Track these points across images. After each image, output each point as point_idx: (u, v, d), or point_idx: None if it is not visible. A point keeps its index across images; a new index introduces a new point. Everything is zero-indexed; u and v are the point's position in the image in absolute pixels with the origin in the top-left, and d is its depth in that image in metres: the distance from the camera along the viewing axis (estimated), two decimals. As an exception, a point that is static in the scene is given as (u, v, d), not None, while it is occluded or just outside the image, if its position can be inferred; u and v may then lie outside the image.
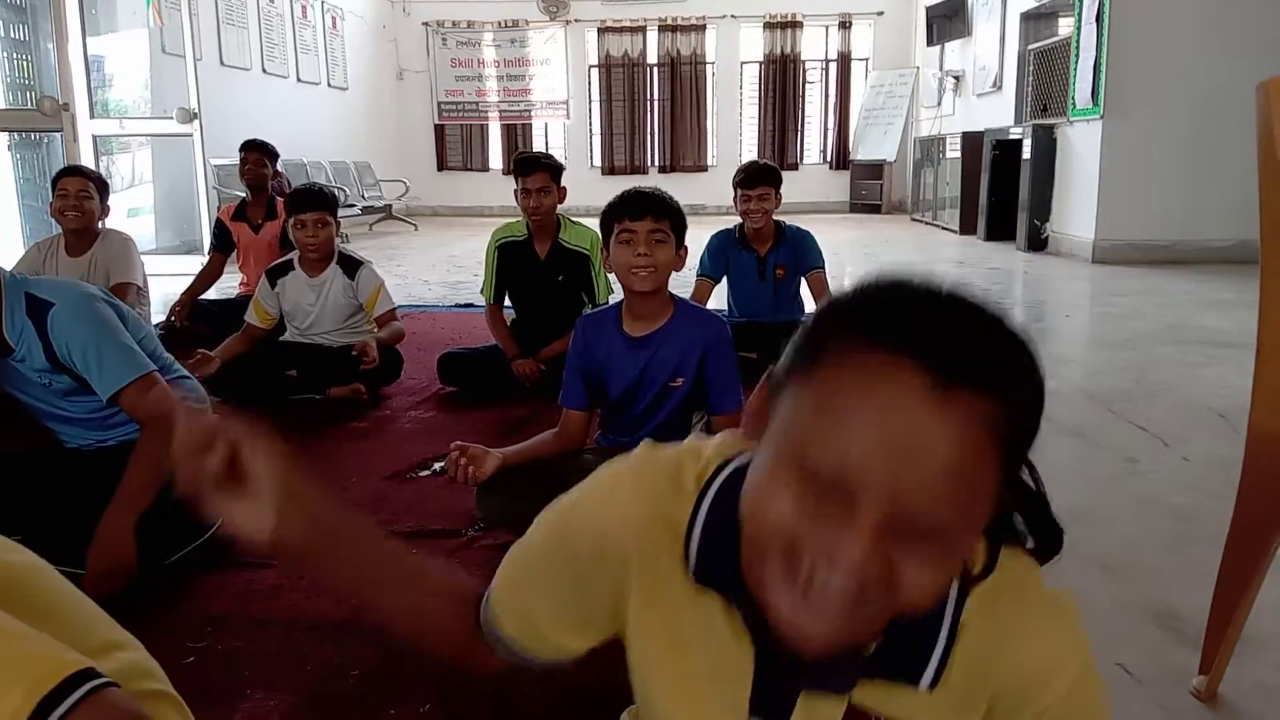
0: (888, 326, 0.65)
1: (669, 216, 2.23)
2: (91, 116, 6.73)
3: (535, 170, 3.67)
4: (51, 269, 3.83)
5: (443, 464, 2.84)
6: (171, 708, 1.06)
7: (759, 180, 3.84)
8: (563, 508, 0.90)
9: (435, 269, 8.10)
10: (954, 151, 10.52)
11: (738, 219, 4.07)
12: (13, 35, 7.41)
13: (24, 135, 7.25)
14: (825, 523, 0.65)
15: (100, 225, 3.99)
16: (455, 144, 14.83)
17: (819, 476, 0.65)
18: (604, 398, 2.38)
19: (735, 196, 3.90)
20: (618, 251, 2.23)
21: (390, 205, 12.22)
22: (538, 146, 14.76)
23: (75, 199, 3.81)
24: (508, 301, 3.89)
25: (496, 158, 14.87)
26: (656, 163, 14.73)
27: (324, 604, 1.95)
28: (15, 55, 7.66)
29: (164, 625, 1.82)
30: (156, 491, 2.01)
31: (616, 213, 2.24)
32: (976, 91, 10.94)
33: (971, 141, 9.97)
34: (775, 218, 4.00)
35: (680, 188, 14.35)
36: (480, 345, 3.90)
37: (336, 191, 4.36)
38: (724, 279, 4.12)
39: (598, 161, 14.72)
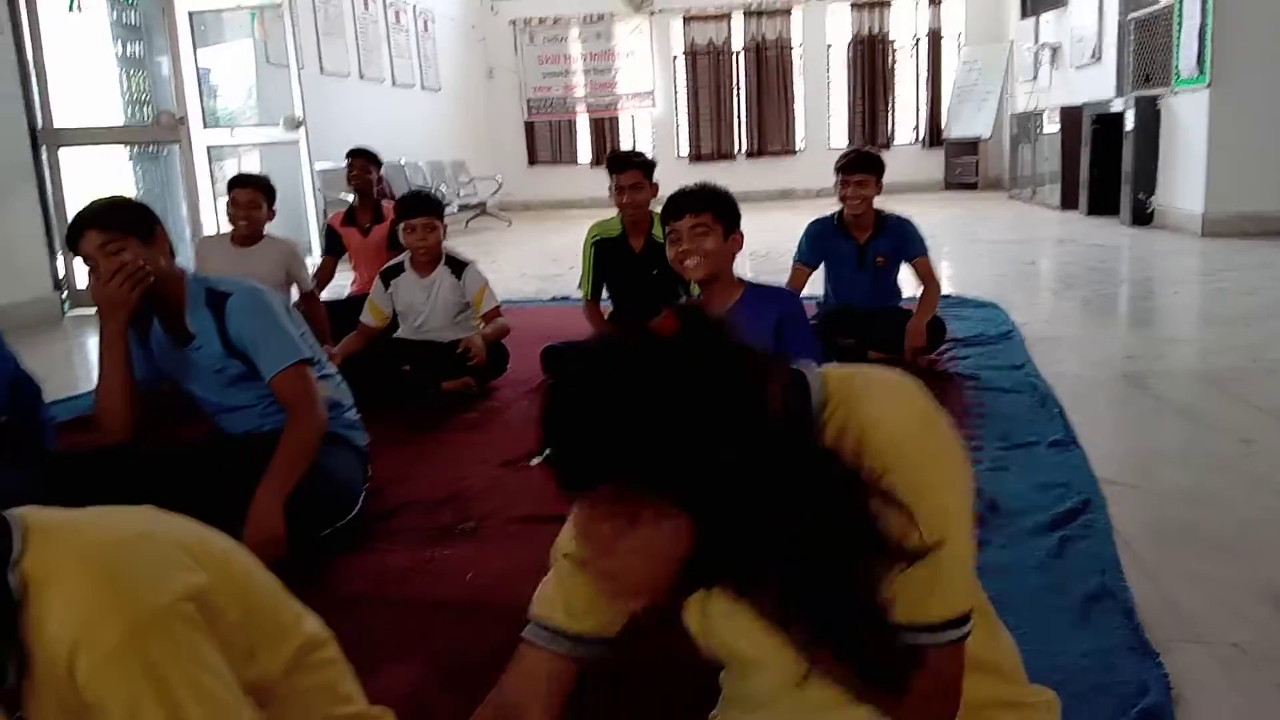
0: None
1: (710, 209, 2.37)
2: (205, 127, 7.08)
3: (628, 168, 3.77)
4: (216, 263, 4.10)
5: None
6: (342, 674, 1.18)
7: (859, 167, 3.84)
8: None
9: (531, 263, 8.28)
10: (1052, 126, 10.24)
11: (831, 204, 4.09)
12: (128, 53, 7.82)
13: (143, 147, 7.65)
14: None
15: (265, 230, 4.29)
16: (545, 139, 15.06)
17: None
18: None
19: (836, 182, 3.91)
20: (669, 249, 2.44)
21: (484, 202, 12.48)
22: (624, 138, 14.90)
23: (245, 209, 4.14)
24: (604, 295, 4.00)
25: (585, 151, 15.05)
26: (743, 149, 14.69)
27: (451, 587, 2.08)
28: (131, 71, 8.08)
29: (304, 601, 1.97)
30: (302, 472, 2.18)
31: (662, 216, 2.45)
32: (1074, 64, 10.62)
33: (1070, 116, 9.69)
34: (875, 205, 3.99)
35: (768, 173, 14.37)
36: (580, 339, 4.00)
37: (437, 192, 4.52)
38: (821, 266, 4.12)
39: (684, 150, 14.75)
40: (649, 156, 3.97)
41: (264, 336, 2.29)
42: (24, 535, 0.92)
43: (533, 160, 15.07)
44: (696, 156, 14.57)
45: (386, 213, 5.09)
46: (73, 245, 2.23)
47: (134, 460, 2.27)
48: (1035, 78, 12.06)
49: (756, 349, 0.96)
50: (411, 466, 2.91)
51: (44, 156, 6.23)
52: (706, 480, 0.86)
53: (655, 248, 3.83)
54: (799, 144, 14.62)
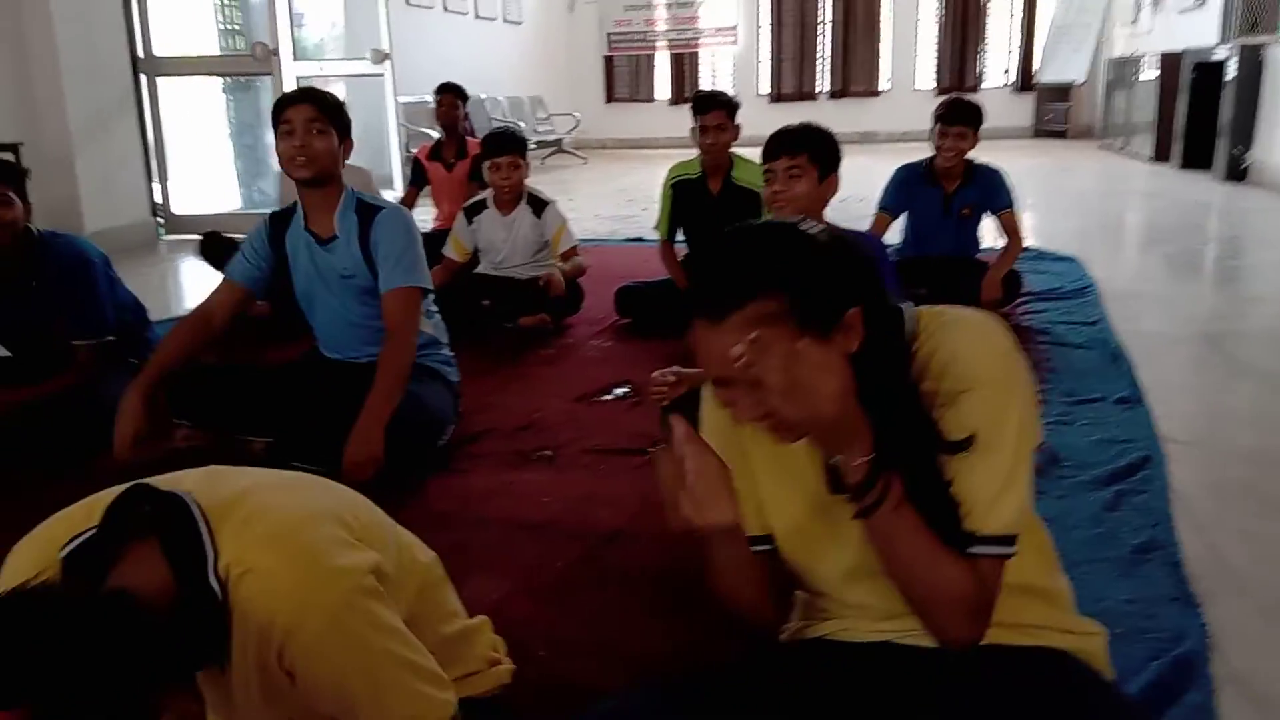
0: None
1: (806, 151, 2.38)
2: (294, 59, 7.25)
3: (713, 108, 3.79)
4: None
5: (626, 389, 3.10)
6: (449, 593, 1.32)
7: (960, 118, 3.79)
8: None
9: (606, 203, 8.34)
10: (1150, 73, 9.87)
11: (915, 149, 4.06)
12: (222, -17, 8.01)
13: (235, 79, 7.86)
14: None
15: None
16: (623, 75, 14.99)
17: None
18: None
19: (932, 130, 3.88)
20: (765, 187, 2.46)
21: (560, 139, 12.54)
22: (704, 75, 14.75)
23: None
24: (680, 236, 4.07)
25: (663, 88, 14.95)
26: (826, 88, 14.44)
27: (530, 508, 2.23)
28: (224, 2, 8.27)
29: (399, 518, 2.14)
30: (399, 399, 2.34)
31: (762, 154, 2.46)
32: (1178, 7, 10.17)
33: (1169, 62, 9.32)
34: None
35: (850, 114, 14.11)
36: (655, 279, 4.10)
37: (520, 130, 4.58)
38: (903, 213, 4.10)
39: (765, 89, 14.56)
40: (732, 96, 3.97)
41: (399, 252, 2.47)
42: (210, 532, 1.00)
43: (610, 97, 15.03)
44: (777, 96, 14.38)
45: (470, 149, 5.21)
46: (284, 105, 2.40)
47: (242, 376, 2.46)
48: (1136, 21, 11.59)
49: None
50: (491, 396, 3.06)
51: (144, 85, 6.47)
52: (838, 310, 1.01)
53: (733, 190, 3.88)
54: (884, 84, 14.31)
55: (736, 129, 3.86)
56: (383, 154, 7.56)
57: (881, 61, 14.29)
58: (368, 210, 2.50)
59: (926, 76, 14.16)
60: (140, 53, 6.39)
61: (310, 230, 2.53)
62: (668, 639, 1.67)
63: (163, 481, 1.05)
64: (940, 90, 13.57)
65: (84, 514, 1.03)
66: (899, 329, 1.07)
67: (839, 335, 1.00)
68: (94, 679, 0.78)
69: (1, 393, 2.63)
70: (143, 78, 6.43)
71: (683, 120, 3.90)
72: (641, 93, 15.00)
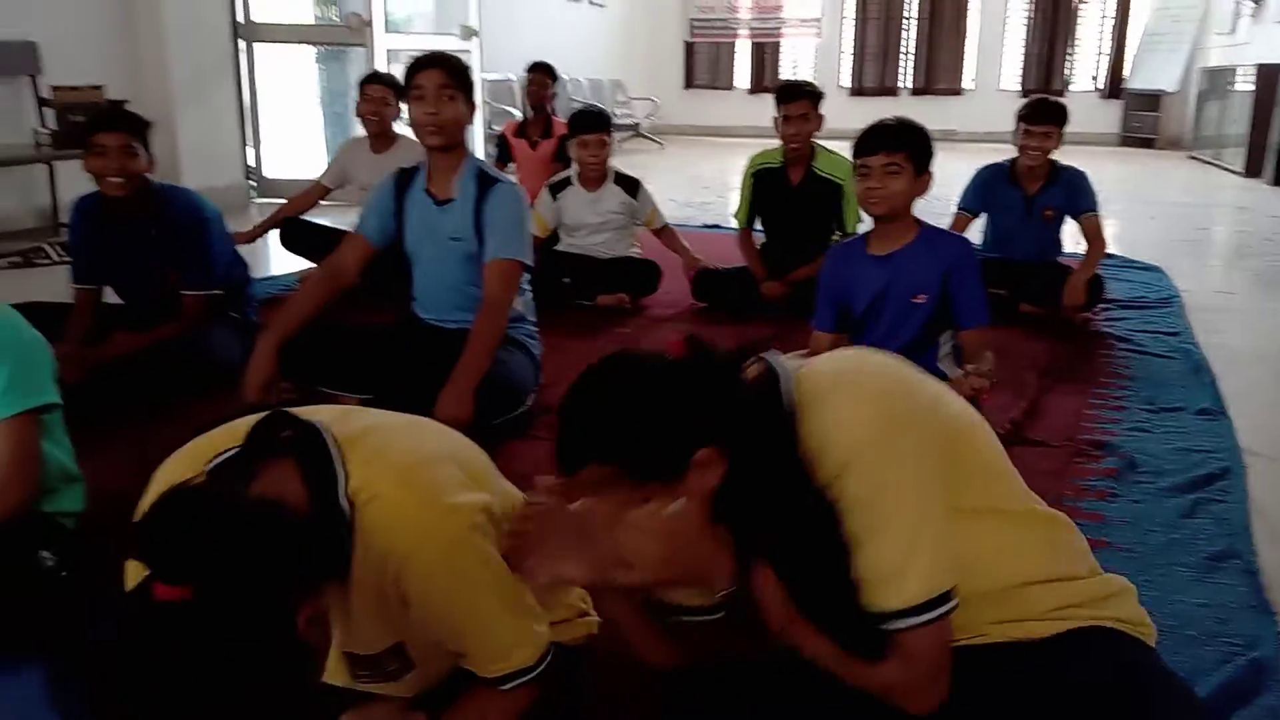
0: None
1: (904, 148, 2.37)
2: (385, 31, 7.41)
3: (799, 98, 3.81)
4: (358, 165, 4.35)
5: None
6: None
7: (1045, 117, 3.75)
8: None
9: (682, 189, 8.37)
10: (1245, 84, 9.58)
11: (996, 150, 4.03)
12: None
13: (326, 48, 8.05)
14: None
15: (395, 128, 4.46)
16: (703, 62, 14.97)
17: None
18: (850, 319, 2.57)
19: (1016, 130, 3.86)
20: (857, 183, 2.45)
21: (638, 124, 12.58)
22: (785, 66, 14.66)
23: (375, 104, 4.29)
24: (757, 225, 4.10)
25: (742, 77, 14.90)
26: (909, 85, 14.26)
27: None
28: (319, -27, 8.45)
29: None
30: (488, 366, 2.43)
31: (856, 147, 2.44)
32: (1278, 19, 9.85)
33: (1267, 74, 9.04)
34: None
35: (932, 112, 13.90)
36: (733, 266, 4.14)
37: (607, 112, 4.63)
38: (983, 214, 4.08)
39: (846, 82, 14.42)
40: (817, 86, 3.98)
41: (509, 226, 2.56)
42: (341, 456, 1.08)
43: (689, 83, 15.02)
44: (858, 90, 14.24)
45: (556, 128, 5.29)
46: (416, 70, 2.49)
47: (341, 335, 2.58)
48: (1233, 31, 11.23)
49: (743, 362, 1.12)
50: (569, 370, 3.07)
51: (242, 50, 6.67)
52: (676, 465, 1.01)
53: (814, 181, 3.90)
54: (968, 83, 14.09)
55: (820, 119, 3.87)
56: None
57: (966, 60, 14.06)
58: (487, 180, 2.59)
59: (1012, 77, 13.90)
60: (240, 18, 6.59)
61: (429, 191, 2.63)
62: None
63: (299, 412, 1.14)
64: (1025, 92, 13.31)
65: (226, 435, 1.13)
66: (772, 444, 1.03)
67: (692, 477, 1.00)
68: (248, 568, 0.87)
69: (116, 338, 2.78)
70: (241, 43, 6.63)
71: (761, 110, 3.93)
72: (721, 80, 14.97)
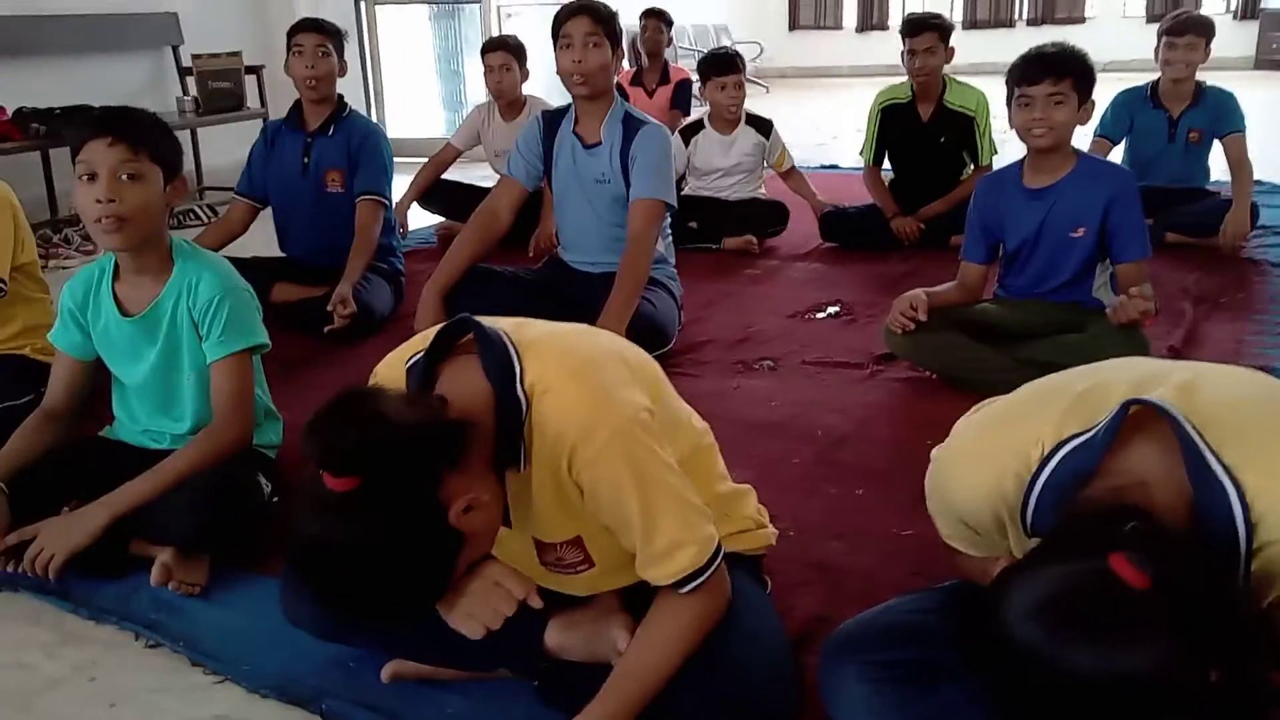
0: None
1: (1070, 75, 2.29)
2: (497, -14, 7.48)
3: (924, 30, 3.73)
4: (490, 130, 4.45)
5: (837, 308, 3.16)
6: (717, 456, 1.44)
7: (1190, 27, 3.59)
8: (936, 462, 1.21)
9: (793, 132, 8.24)
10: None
11: (1123, 80, 3.87)
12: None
13: (440, 7, 8.15)
14: None
15: (522, 91, 4.53)
16: (809, 1, 14.62)
17: None
18: (1003, 250, 2.54)
19: (1158, 45, 3.70)
20: (1016, 113, 2.37)
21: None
22: (894, 1, 14.20)
23: (499, 71, 4.37)
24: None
25: (850, 14, 14.51)
26: (1025, 15, 13.66)
27: (759, 410, 2.37)
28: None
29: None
30: (635, 303, 2.52)
31: (1015, 76, 2.35)
32: None
33: None
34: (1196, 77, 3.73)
35: (1051, 42, 13.28)
36: (860, 204, 4.10)
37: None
38: (1123, 142, 3.93)
39: (958, 15, 13.88)
40: (947, 21, 3.88)
41: (654, 166, 2.62)
42: (518, 354, 1.19)
43: (794, 24, 14.71)
44: (971, 23, 13.71)
45: (673, 74, 5.29)
46: (564, 19, 2.59)
47: (493, 279, 2.69)
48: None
49: None
50: (705, 311, 3.19)
51: (364, 13, 6.85)
52: None
53: (946, 115, 3.83)
54: (1090, 11, 13.41)
55: (950, 52, 3.79)
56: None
57: (1089, -15, 13.39)
58: (633, 123, 2.66)
59: (1138, 2, 13.17)
60: (360, -18, 6.76)
61: (577, 133, 2.71)
62: (914, 530, 1.77)
63: (481, 320, 1.25)
64: (1152, 18, 12.61)
65: (421, 340, 1.26)
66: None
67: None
68: (404, 460, 1.01)
69: (285, 288, 2.98)
70: (362, 5, 6.81)
71: (870, 48, 3.90)
72: (828, 20, 14.60)
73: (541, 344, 1.22)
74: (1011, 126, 2.43)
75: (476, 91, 7.62)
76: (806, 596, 1.58)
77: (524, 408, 1.16)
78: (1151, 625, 0.80)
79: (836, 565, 1.67)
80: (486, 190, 4.24)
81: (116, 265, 1.79)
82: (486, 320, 1.24)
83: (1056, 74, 2.27)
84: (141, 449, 1.84)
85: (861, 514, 1.86)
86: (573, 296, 2.68)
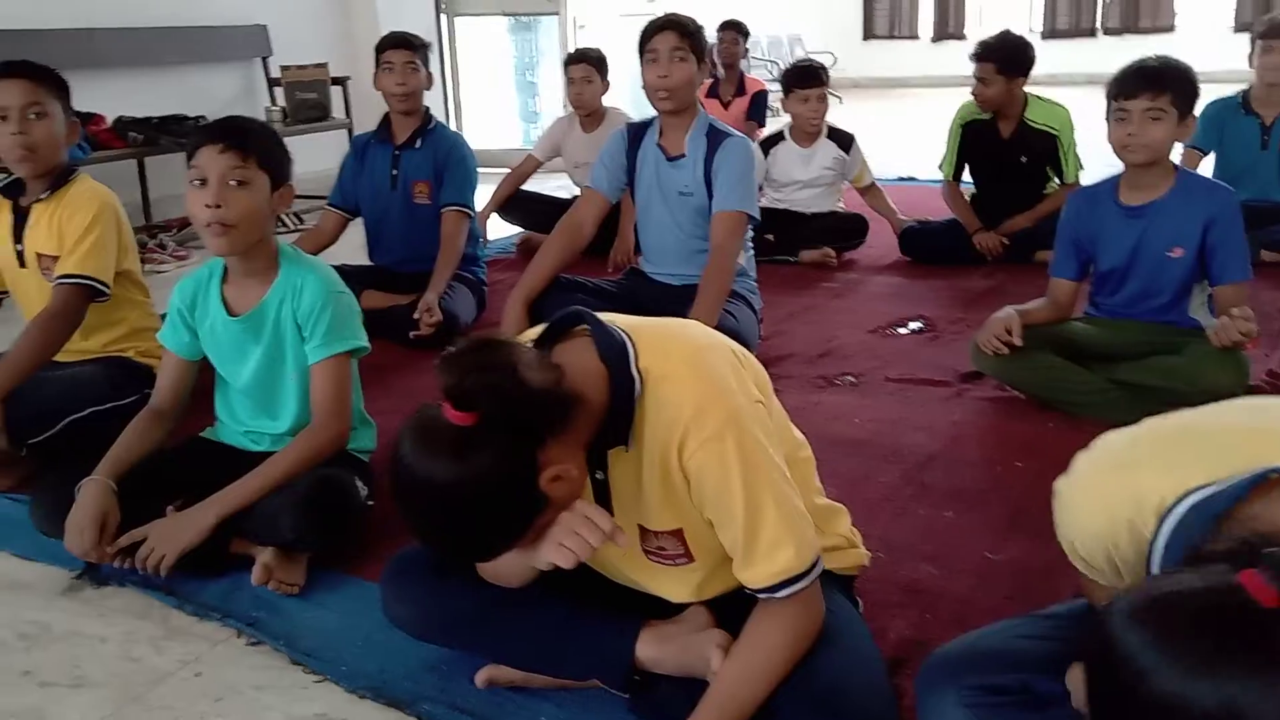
0: None
1: (1168, 91, 2.22)
2: (573, -1, 7.56)
3: (979, 60, 3.68)
4: (570, 142, 4.49)
5: (920, 324, 3.13)
6: (814, 470, 1.44)
7: None
8: (1057, 494, 1.15)
9: (869, 143, 8.13)
10: None
11: (1212, 92, 3.75)
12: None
13: (517, 19, 8.26)
14: None
15: (602, 103, 4.55)
16: (883, 11, 14.50)
17: None
18: (1095, 268, 2.48)
19: (1252, 50, 3.58)
20: (1112, 128, 2.30)
21: (817, 78, 12.30)
22: (971, 9, 14.00)
23: (580, 84, 4.40)
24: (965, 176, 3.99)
25: (925, 24, 14.34)
26: (1107, 23, 13.36)
27: (843, 426, 2.36)
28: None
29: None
30: (719, 312, 2.51)
31: (1113, 89, 2.29)
32: None
33: None
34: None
35: (1135, 53, 12.84)
36: (940, 219, 4.05)
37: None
38: (1213, 150, 3.82)
39: (1037, 24, 13.64)
40: (1016, 42, 3.74)
41: (736, 178, 2.63)
42: (632, 342, 1.21)
43: (869, 34, 14.60)
44: (1051, 32, 13.45)
45: (749, 86, 5.29)
46: (651, 33, 2.62)
47: (576, 290, 2.73)
48: None
49: None
50: (785, 324, 3.18)
51: (443, 25, 6.98)
52: None
53: (1027, 133, 3.76)
54: (1175, 19, 13.07)
55: (1016, 81, 3.69)
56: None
57: (1176, -7, 13.04)
58: (717, 135, 2.67)
59: (1225, 10, 12.79)
60: (442, -6, 6.90)
61: (661, 146, 2.73)
62: (1007, 555, 1.74)
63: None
64: (1240, 26, 12.23)
65: (534, 331, 1.28)
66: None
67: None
68: (524, 408, 1.06)
69: (373, 296, 3.05)
70: (443, 18, 6.94)
71: (946, 58, 3.84)
72: (902, 30, 14.46)
73: (653, 332, 1.24)
74: (1108, 140, 2.38)
75: (550, 103, 7.73)
76: (898, 619, 1.57)
77: (637, 387, 1.18)
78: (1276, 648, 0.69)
79: (928, 588, 1.66)
80: (563, 201, 4.36)
81: (225, 268, 1.85)
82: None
83: (1155, 88, 2.21)
84: (240, 450, 1.90)
85: (952, 536, 1.83)
86: (652, 307, 2.68)
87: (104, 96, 4.63)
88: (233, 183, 1.69)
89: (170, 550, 1.68)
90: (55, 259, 2.21)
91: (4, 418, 2.06)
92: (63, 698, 1.49)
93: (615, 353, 1.19)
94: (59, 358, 2.22)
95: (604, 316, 1.25)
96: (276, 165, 1.78)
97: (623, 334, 1.21)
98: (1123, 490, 1.06)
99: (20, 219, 2.27)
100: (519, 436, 1.06)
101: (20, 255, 2.28)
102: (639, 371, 1.18)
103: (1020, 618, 1.32)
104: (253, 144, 1.72)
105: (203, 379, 1.95)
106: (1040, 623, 1.28)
